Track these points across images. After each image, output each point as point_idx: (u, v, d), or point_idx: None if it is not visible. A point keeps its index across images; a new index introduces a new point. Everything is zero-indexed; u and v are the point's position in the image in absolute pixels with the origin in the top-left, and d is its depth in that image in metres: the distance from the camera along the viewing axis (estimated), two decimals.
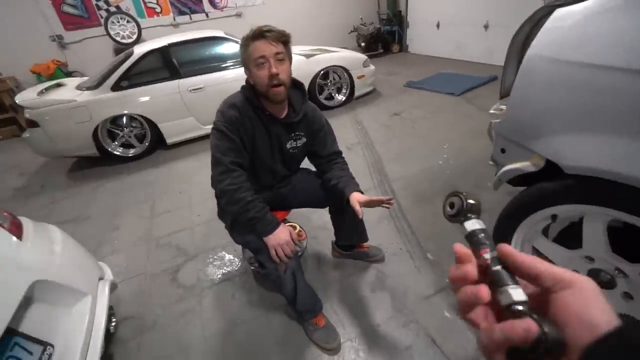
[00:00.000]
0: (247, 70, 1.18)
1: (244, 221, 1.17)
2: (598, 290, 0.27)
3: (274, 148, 1.30)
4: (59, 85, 3.57)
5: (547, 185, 0.99)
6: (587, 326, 0.24)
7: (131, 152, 3.48)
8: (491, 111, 1.26)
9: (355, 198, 1.21)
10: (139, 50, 3.31)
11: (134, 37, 5.28)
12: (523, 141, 1.03)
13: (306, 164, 1.51)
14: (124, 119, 3.35)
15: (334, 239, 1.77)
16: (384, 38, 7.09)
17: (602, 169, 0.82)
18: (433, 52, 6.54)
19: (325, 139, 1.39)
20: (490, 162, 1.29)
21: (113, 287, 1.39)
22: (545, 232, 1.12)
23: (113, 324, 1.36)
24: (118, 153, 3.42)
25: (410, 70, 5.57)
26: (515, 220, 1.12)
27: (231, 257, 1.93)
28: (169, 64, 3.36)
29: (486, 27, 5.34)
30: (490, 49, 5.33)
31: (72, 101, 3.03)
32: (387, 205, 1.17)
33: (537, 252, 1.14)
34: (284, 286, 1.27)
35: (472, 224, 0.33)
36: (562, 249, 1.04)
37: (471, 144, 2.81)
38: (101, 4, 5.13)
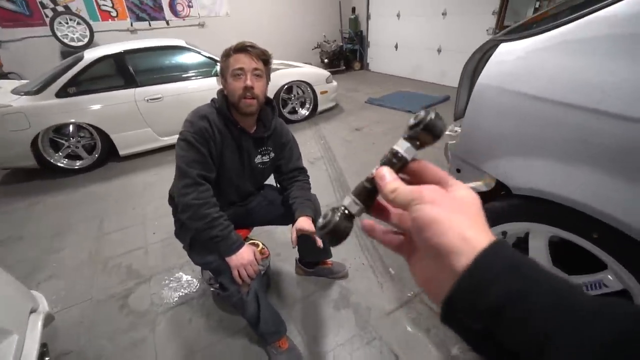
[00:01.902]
0: (223, 80, 1.17)
1: (206, 239, 1.11)
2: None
3: (243, 164, 1.27)
4: None
5: (498, 204, 1.07)
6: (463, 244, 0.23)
7: (78, 164, 3.20)
8: (447, 132, 1.35)
9: (298, 226, 1.23)
10: (90, 55, 3.09)
11: (85, 40, 4.94)
12: (476, 162, 1.10)
13: (270, 180, 1.48)
14: (70, 128, 3.08)
15: (297, 256, 1.74)
16: (346, 56, 7.37)
17: (544, 190, 0.90)
18: (392, 71, 6.91)
19: (291, 153, 1.39)
20: None
21: (48, 319, 1.22)
22: None
23: None
24: (62, 165, 3.12)
25: (371, 88, 5.81)
26: None
27: (189, 277, 1.82)
28: (124, 71, 3.17)
29: (439, 51, 5.77)
30: (443, 71, 5.75)
31: (7, 106, 2.72)
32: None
33: None
34: (246, 309, 1.21)
35: (401, 145, 0.30)
36: None
37: (427, 160, 2.96)
38: (46, 2, 4.74)
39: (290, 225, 1.52)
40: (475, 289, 0.21)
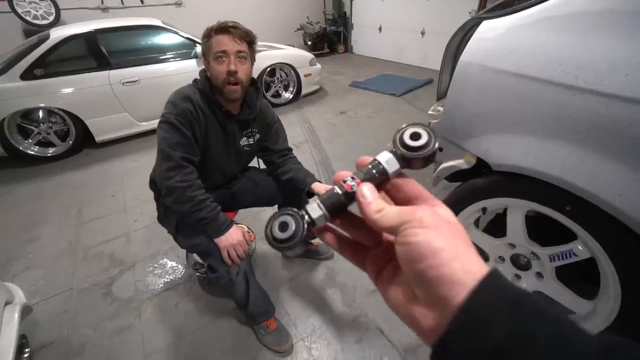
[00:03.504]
0: (206, 62, 1.12)
1: (193, 222, 1.09)
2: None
3: (229, 146, 1.24)
4: None
5: (478, 180, 1.10)
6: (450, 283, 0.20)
7: (50, 151, 3.05)
8: (430, 112, 1.36)
9: (323, 187, 1.24)
10: (58, 34, 2.89)
11: (51, 18, 4.61)
12: (458, 140, 1.12)
13: (253, 162, 1.47)
14: (40, 113, 2.91)
15: None
16: (330, 38, 7.23)
17: (522, 166, 0.93)
18: (376, 54, 6.84)
19: (278, 134, 1.37)
20: None
21: (26, 311, 1.19)
22: (476, 223, 1.24)
23: (26, 355, 1.16)
24: (33, 153, 2.96)
25: (355, 71, 5.75)
26: None
27: (173, 263, 1.80)
28: (96, 52, 2.99)
29: (422, 33, 5.74)
30: (426, 54, 5.74)
31: None
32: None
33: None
34: (235, 290, 1.22)
35: (390, 164, 0.27)
36: (491, 238, 1.17)
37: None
38: None
39: (277, 206, 1.53)
40: (471, 328, 0.19)
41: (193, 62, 3.33)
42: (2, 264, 1.85)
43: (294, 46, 4.90)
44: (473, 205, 1.14)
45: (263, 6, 6.61)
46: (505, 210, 1.10)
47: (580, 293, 1.02)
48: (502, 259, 1.15)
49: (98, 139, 3.15)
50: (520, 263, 1.11)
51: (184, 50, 3.37)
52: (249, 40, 1.11)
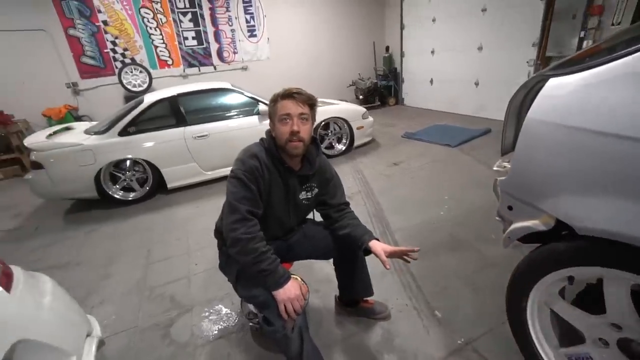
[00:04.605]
0: (272, 124, 1.25)
1: (254, 273, 1.13)
2: None
3: (289, 200, 1.31)
4: (67, 128, 3.67)
5: (560, 245, 0.98)
6: None
7: (131, 195, 3.47)
8: (495, 168, 1.29)
9: (381, 247, 1.23)
10: (149, 98, 3.46)
11: (145, 85, 5.56)
12: (531, 200, 1.04)
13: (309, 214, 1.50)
14: (127, 163, 3.40)
15: (337, 293, 1.69)
16: (381, 92, 7.53)
17: (615, 231, 0.82)
18: (427, 105, 6.92)
19: (336, 188, 1.42)
20: (497, 218, 1.28)
21: (100, 344, 1.27)
22: (561, 293, 1.08)
23: None
24: (118, 196, 3.41)
25: (407, 122, 5.82)
26: (529, 281, 1.08)
27: (228, 310, 1.82)
28: (176, 112, 3.49)
29: (477, 84, 5.72)
30: (481, 104, 5.65)
31: (79, 145, 3.09)
32: (412, 258, 1.19)
33: (555, 316, 1.09)
34: (290, 346, 1.18)
35: None
36: (584, 314, 0.99)
37: (471, 195, 2.84)
38: (118, 55, 5.48)
39: (332, 260, 1.51)
40: None
41: (255, 118, 3.68)
42: (83, 297, 2.05)
43: (346, 100, 5.18)
44: (555, 273, 1.01)
45: (317, 66, 7.23)
46: (600, 280, 0.95)
47: None
48: (604, 342, 0.96)
49: (170, 185, 3.52)
50: (632, 351, 0.91)
51: (248, 108, 3.76)
52: (311, 103, 1.22)
